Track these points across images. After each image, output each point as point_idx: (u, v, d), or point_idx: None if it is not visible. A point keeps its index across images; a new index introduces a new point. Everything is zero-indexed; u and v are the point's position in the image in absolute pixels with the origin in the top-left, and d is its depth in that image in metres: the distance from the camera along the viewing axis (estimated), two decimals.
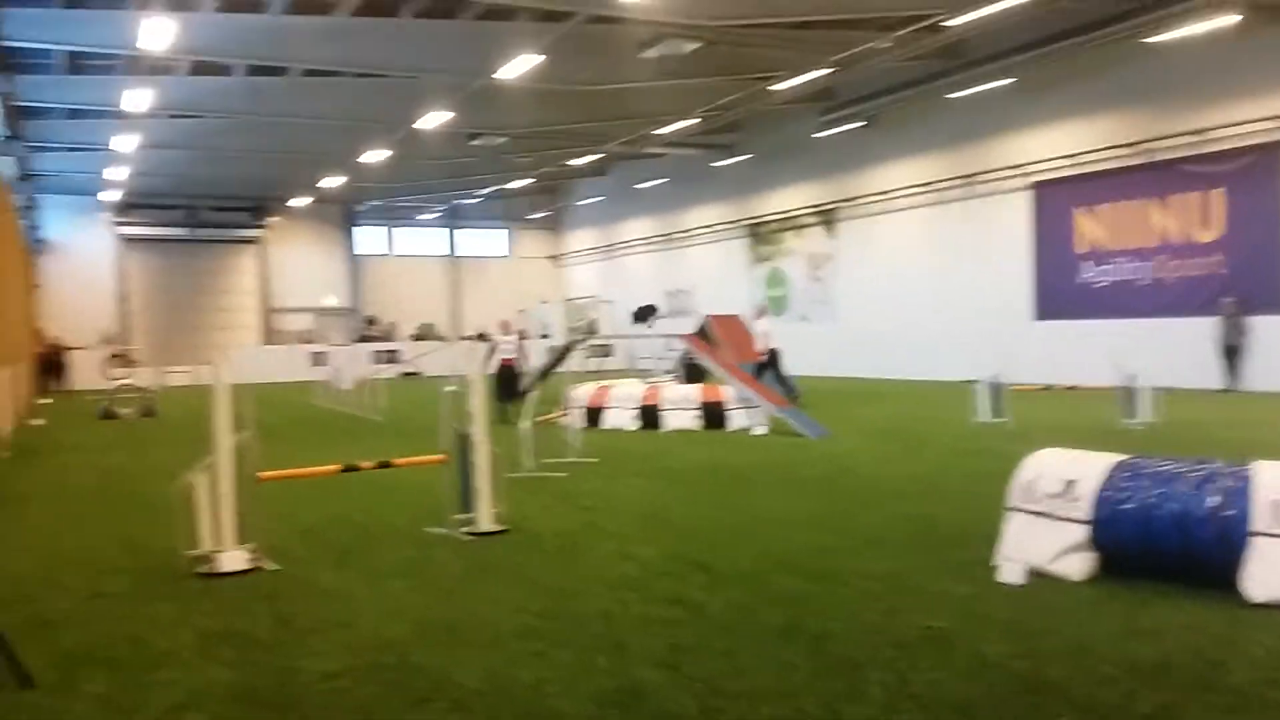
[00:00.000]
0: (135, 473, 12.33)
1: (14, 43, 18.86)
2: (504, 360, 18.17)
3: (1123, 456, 6.39)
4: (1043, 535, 6.19)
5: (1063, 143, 24.06)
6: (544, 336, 39.91)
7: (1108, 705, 4.20)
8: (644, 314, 23.91)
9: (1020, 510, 6.40)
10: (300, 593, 6.33)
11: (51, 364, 33.64)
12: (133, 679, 4.81)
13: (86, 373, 32.23)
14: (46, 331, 35.06)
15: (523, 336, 22.97)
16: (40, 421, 20.36)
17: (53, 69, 22.78)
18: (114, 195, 37.88)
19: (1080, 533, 6.05)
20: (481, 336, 24.57)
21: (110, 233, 40.48)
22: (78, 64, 23.16)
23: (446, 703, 4.38)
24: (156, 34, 17.50)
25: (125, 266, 41.10)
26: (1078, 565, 6.05)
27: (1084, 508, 6.06)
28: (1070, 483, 6.18)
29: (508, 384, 17.58)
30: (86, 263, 39.70)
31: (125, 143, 27.60)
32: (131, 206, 39.99)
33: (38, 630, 5.60)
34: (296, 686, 4.64)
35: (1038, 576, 6.07)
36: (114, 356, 32.61)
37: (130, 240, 40.97)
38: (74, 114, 26.94)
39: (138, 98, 22.47)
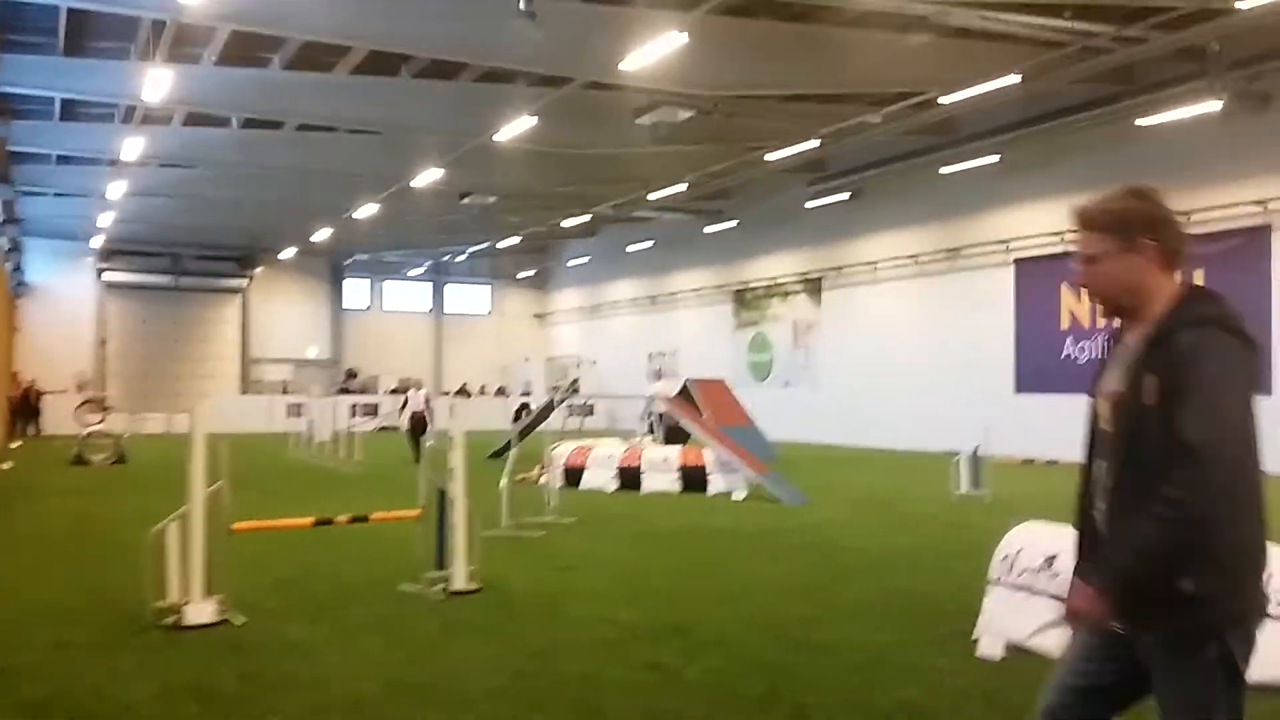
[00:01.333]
0: (104, 520, 12.15)
1: (11, 88, 18.92)
2: (414, 412, 22.62)
3: None
4: (1023, 610, 6.14)
5: (1047, 220, 24.34)
6: (525, 394, 39.89)
7: None
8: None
9: (1000, 584, 6.35)
10: (269, 647, 6.21)
11: (24, 407, 33.32)
12: None
13: (60, 418, 31.87)
14: (22, 375, 34.79)
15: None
16: (9, 465, 20.09)
17: (47, 115, 22.89)
18: (99, 241, 37.86)
19: (1060, 608, 5.99)
20: (401, 391, 29.81)
21: (92, 278, 40.36)
22: (71, 111, 23.28)
23: None
24: (155, 84, 17.61)
25: (105, 312, 40.92)
26: (1057, 641, 6.00)
27: (1064, 583, 6.01)
28: (1050, 558, 6.14)
29: (415, 431, 21.99)
30: (67, 307, 39.47)
31: (113, 189, 27.66)
32: (115, 253, 39.92)
33: None
34: None
35: (1017, 651, 6.02)
36: (88, 402, 32.28)
37: (112, 286, 40.84)
38: (64, 160, 26.99)
39: (130, 146, 22.56)
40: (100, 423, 24.83)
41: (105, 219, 32.81)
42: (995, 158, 24.10)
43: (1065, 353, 24.06)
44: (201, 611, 6.72)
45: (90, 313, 40.44)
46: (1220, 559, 2.54)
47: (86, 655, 6.02)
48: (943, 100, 19.75)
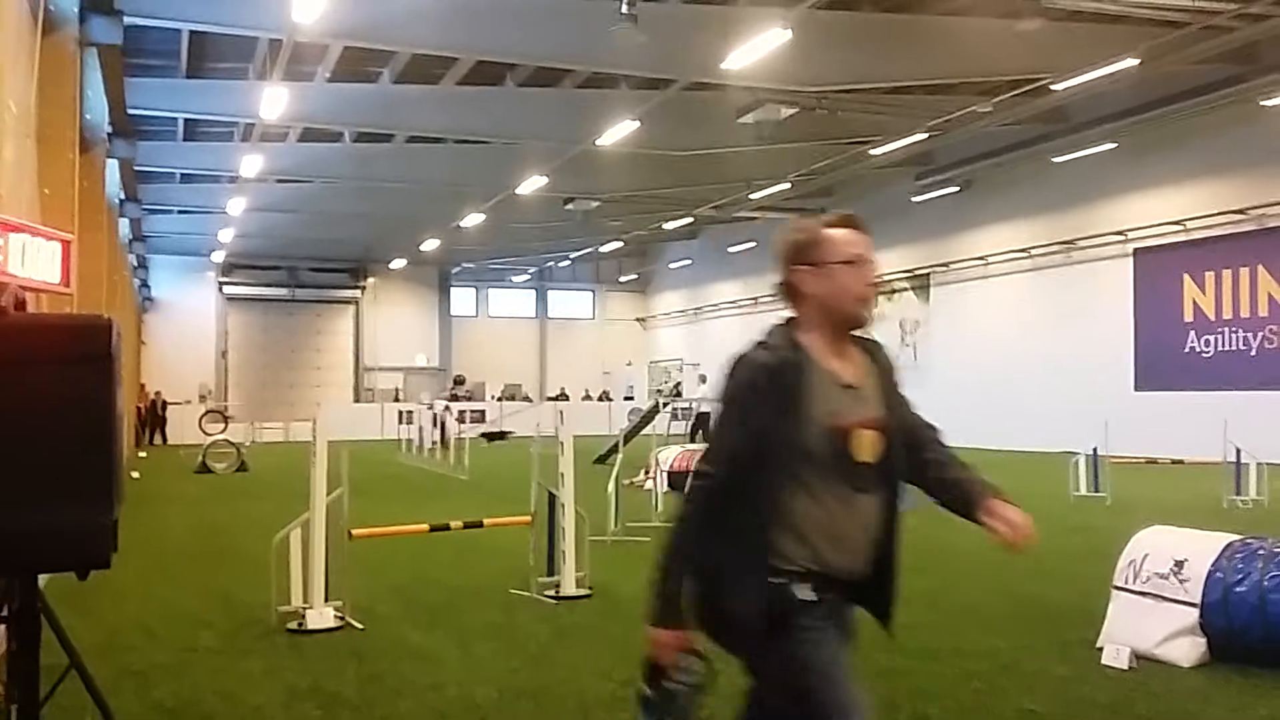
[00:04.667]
0: (228, 527, 12.58)
1: (137, 110, 19.78)
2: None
3: (1235, 536, 6.09)
4: (1149, 617, 5.92)
5: (1167, 208, 23.50)
6: (628, 399, 40.03)
7: None
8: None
9: (1126, 590, 6.12)
10: (387, 652, 6.34)
11: (151, 418, 34.75)
12: None
13: (184, 427, 33.21)
14: (147, 386, 36.29)
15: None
16: (137, 474, 20.92)
17: (171, 135, 23.88)
18: (220, 255, 39.30)
19: (1190, 615, 5.76)
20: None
21: (214, 291, 41.88)
22: (193, 130, 24.24)
23: None
24: (272, 102, 18.26)
25: (226, 325, 42.42)
26: (1187, 650, 5.76)
27: (1194, 589, 5.78)
28: (1180, 563, 5.91)
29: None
30: (190, 320, 40.99)
31: (233, 205, 28.70)
32: (235, 266, 41.42)
33: (131, 681, 5.70)
34: None
35: (1144, 660, 5.79)
36: (210, 412, 33.55)
37: (232, 299, 42.36)
38: (186, 178, 28.12)
39: (249, 163, 23.38)
40: (223, 432, 25.73)
41: (226, 234, 34.06)
42: (1111, 145, 23.32)
43: (1189, 347, 23.14)
44: (322, 616, 6.90)
45: (212, 325, 41.96)
46: None
47: (214, 658, 6.23)
48: (1056, 87, 19.14)
